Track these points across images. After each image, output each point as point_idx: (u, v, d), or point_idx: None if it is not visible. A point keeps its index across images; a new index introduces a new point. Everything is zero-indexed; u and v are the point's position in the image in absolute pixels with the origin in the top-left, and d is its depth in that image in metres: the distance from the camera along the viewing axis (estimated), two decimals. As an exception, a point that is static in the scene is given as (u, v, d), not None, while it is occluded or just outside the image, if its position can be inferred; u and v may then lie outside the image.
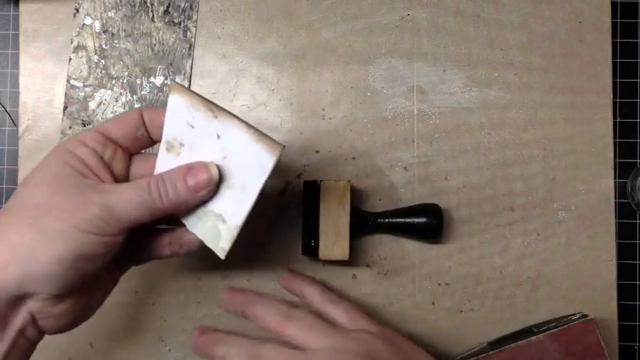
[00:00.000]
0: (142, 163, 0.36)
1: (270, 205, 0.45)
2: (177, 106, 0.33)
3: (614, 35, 0.46)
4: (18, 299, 0.31)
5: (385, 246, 0.45)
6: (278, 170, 0.45)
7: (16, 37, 0.47)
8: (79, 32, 0.46)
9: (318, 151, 0.46)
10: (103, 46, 0.46)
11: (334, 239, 0.42)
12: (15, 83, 0.47)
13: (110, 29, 0.46)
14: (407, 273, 0.45)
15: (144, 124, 0.35)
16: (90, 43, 0.46)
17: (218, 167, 0.33)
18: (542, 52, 0.46)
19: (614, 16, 0.46)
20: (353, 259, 0.44)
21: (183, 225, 0.35)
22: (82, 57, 0.46)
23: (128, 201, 0.31)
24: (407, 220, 0.43)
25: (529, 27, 0.46)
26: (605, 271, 0.45)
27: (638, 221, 0.46)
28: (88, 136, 0.33)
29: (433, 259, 0.45)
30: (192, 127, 0.33)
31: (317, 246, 0.42)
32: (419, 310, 0.45)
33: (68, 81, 0.46)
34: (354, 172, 0.45)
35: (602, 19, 0.46)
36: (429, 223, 0.42)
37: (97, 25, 0.46)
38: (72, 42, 0.46)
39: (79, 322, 0.35)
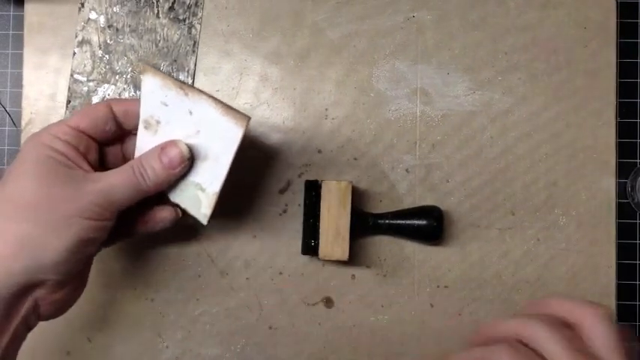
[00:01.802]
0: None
1: (271, 203, 0.45)
2: (151, 86, 0.36)
3: (614, 37, 0.46)
4: (26, 289, 0.33)
5: (385, 247, 0.45)
6: (277, 167, 0.45)
7: (16, 37, 0.47)
8: (83, 27, 0.46)
9: (320, 151, 0.46)
10: (108, 41, 0.46)
11: (334, 239, 0.42)
12: (15, 83, 0.47)
13: (115, 24, 0.46)
14: (406, 275, 0.45)
15: (113, 116, 0.37)
16: (94, 38, 0.46)
17: (193, 142, 0.36)
18: (547, 57, 0.46)
19: (615, 18, 0.46)
20: (353, 260, 0.44)
21: (167, 197, 0.38)
22: (86, 51, 0.46)
23: (119, 186, 0.34)
24: (407, 221, 0.43)
25: (534, 31, 0.46)
26: (604, 278, 0.45)
27: (638, 221, 0.46)
28: (60, 130, 0.35)
29: (433, 262, 0.45)
30: (166, 105, 0.36)
31: (317, 246, 0.42)
32: (417, 312, 0.45)
33: (72, 75, 0.46)
34: (355, 173, 0.45)
35: (608, 25, 0.46)
36: (429, 226, 0.42)
37: (102, 20, 0.46)
38: (76, 36, 0.46)
39: (70, 307, 0.37)
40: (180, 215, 0.39)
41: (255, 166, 0.45)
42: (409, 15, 0.46)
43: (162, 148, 0.36)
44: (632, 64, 0.46)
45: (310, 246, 0.42)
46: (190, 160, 0.36)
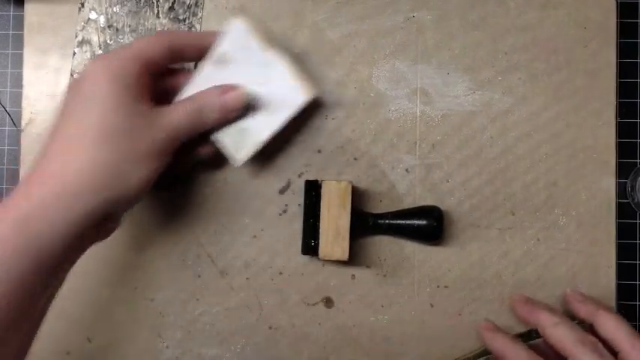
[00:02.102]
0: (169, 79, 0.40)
1: (271, 203, 0.45)
2: (240, 27, 0.39)
3: (614, 37, 0.46)
4: (103, 219, 0.33)
5: (385, 247, 0.45)
6: (277, 167, 0.45)
7: (16, 37, 0.47)
8: (83, 27, 0.46)
9: (320, 151, 0.46)
10: (108, 41, 0.46)
11: (334, 239, 0.42)
12: (15, 83, 0.47)
13: (115, 24, 0.46)
14: (406, 275, 0.45)
15: (170, 48, 0.37)
16: (94, 38, 0.46)
17: (255, 90, 0.39)
18: (547, 57, 0.46)
19: (615, 18, 0.46)
20: (353, 260, 0.44)
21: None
22: (86, 51, 0.46)
23: (183, 122, 0.35)
24: (407, 221, 0.43)
25: (534, 31, 0.46)
26: (604, 278, 0.45)
27: (638, 221, 0.46)
28: (128, 58, 0.35)
29: (433, 262, 0.45)
30: (245, 50, 0.39)
31: (317, 246, 0.42)
32: (417, 312, 0.45)
33: (72, 75, 0.46)
34: (355, 173, 0.45)
35: (608, 25, 0.46)
36: (429, 226, 0.42)
37: (102, 19, 0.46)
38: (76, 36, 0.46)
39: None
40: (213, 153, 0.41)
41: (255, 166, 0.45)
42: (409, 15, 0.46)
43: (224, 90, 0.37)
44: (632, 64, 0.46)
45: (310, 246, 0.42)
46: (247, 108, 0.38)
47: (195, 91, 0.38)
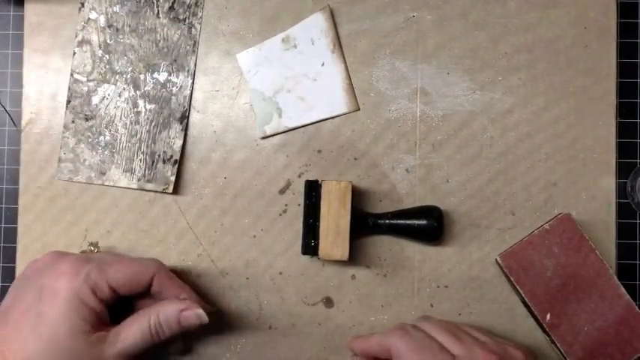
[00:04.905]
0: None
1: (271, 203, 0.45)
2: (316, 21, 0.42)
3: (617, 39, 0.46)
4: None
5: (385, 247, 0.45)
6: (277, 167, 0.45)
7: (16, 37, 0.47)
8: (83, 26, 0.46)
9: (319, 151, 0.45)
10: (108, 41, 0.46)
11: (334, 239, 0.42)
12: (15, 83, 0.47)
13: (115, 24, 0.46)
14: (406, 275, 0.45)
15: (150, 283, 0.38)
16: (94, 38, 0.46)
17: (303, 82, 0.42)
18: (547, 57, 0.46)
19: (617, 19, 0.46)
20: (353, 260, 0.44)
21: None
22: (86, 51, 0.46)
23: (135, 344, 0.36)
24: (407, 221, 0.43)
25: (534, 31, 0.46)
26: (604, 278, 0.45)
27: (638, 221, 0.46)
28: (99, 286, 0.37)
29: (433, 262, 0.45)
30: (311, 43, 0.42)
31: (317, 246, 0.42)
32: (417, 312, 0.45)
33: (72, 75, 0.46)
34: (355, 173, 0.45)
35: (608, 25, 0.46)
36: (429, 225, 0.42)
37: (102, 19, 0.46)
38: (76, 36, 0.46)
39: None
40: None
41: (255, 166, 0.45)
42: (409, 15, 0.46)
43: (182, 310, 0.37)
44: (632, 64, 0.46)
45: (310, 246, 0.42)
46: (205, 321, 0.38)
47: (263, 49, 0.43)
